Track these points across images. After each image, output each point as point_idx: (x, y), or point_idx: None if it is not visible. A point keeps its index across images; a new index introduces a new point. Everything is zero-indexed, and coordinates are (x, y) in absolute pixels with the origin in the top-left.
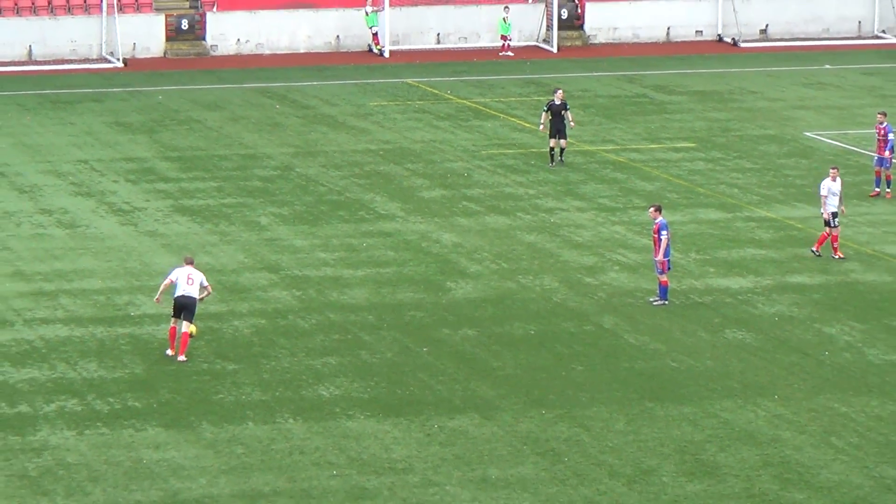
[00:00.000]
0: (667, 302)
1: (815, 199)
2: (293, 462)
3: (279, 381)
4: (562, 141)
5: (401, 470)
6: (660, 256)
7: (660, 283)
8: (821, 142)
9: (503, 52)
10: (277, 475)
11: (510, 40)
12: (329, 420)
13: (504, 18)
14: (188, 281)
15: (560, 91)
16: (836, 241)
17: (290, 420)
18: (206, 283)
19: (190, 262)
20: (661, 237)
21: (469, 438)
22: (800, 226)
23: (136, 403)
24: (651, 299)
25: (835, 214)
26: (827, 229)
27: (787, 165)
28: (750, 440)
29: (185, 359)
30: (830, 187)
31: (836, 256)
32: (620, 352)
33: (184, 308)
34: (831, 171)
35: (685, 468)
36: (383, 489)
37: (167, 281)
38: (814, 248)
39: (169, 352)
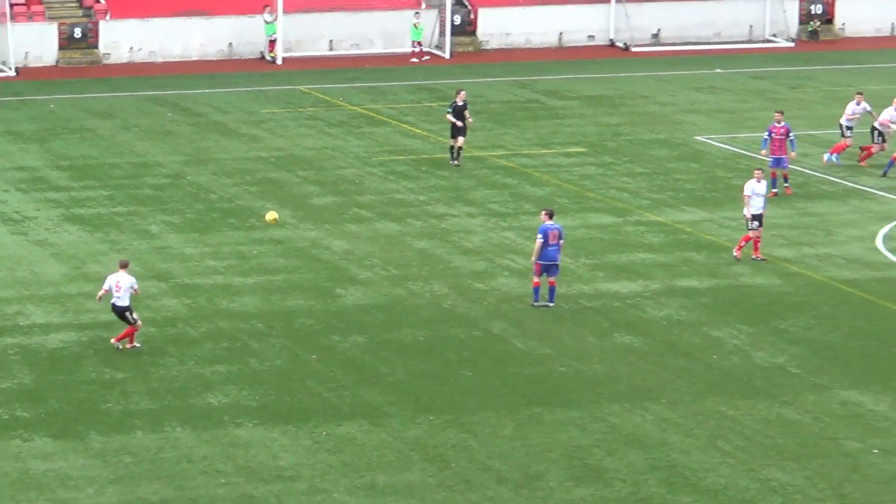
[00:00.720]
0: (537, 303)
1: (705, 202)
2: (181, 471)
3: (168, 389)
4: (460, 139)
5: (288, 477)
6: (532, 258)
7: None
8: (711, 145)
9: (421, 58)
10: (165, 484)
11: (422, 45)
12: (217, 428)
13: (415, 24)
14: (117, 288)
15: (463, 92)
16: (747, 240)
17: (179, 429)
18: (135, 287)
19: (124, 266)
20: (537, 240)
21: (357, 445)
22: (689, 230)
23: (24, 413)
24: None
25: (757, 216)
26: (751, 232)
27: (678, 169)
28: (637, 444)
29: (137, 345)
30: (755, 188)
31: (735, 257)
32: (509, 357)
33: (118, 314)
34: (756, 172)
35: (572, 473)
36: (271, 497)
37: (102, 291)
38: (753, 256)
39: (112, 340)
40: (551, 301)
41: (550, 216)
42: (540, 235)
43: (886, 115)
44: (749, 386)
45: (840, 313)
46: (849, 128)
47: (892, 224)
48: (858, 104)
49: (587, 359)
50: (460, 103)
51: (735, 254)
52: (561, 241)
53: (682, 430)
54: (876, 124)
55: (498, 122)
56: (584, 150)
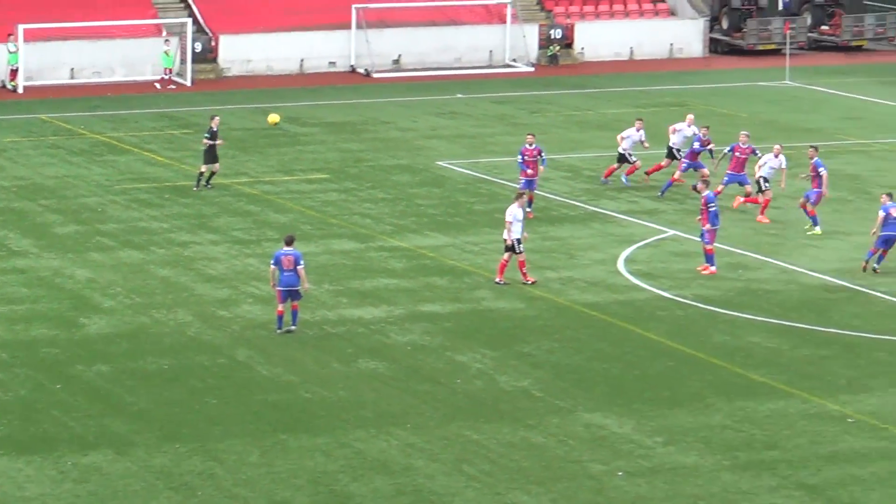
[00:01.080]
0: (280, 330)
1: (448, 227)
2: None
3: None
4: (215, 165)
5: None
6: (271, 284)
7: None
8: (453, 170)
9: (166, 86)
10: None
11: (171, 73)
12: None
13: (166, 51)
14: None
15: (217, 118)
16: (524, 266)
17: None
18: None
19: None
20: (271, 266)
21: (103, 475)
22: (432, 255)
23: None
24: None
25: (519, 241)
26: (507, 255)
27: (420, 195)
28: (383, 469)
29: None
30: (516, 214)
31: (527, 281)
32: (254, 384)
33: None
34: (519, 198)
35: (318, 499)
36: None
37: None
38: (497, 280)
39: None
40: (294, 324)
41: (288, 243)
42: (272, 262)
43: (679, 126)
44: (493, 410)
45: (583, 336)
46: (630, 154)
47: (633, 247)
48: (639, 130)
49: (332, 385)
50: (215, 129)
51: (526, 280)
52: (299, 267)
53: (427, 454)
54: (671, 143)
55: (240, 149)
56: (326, 176)
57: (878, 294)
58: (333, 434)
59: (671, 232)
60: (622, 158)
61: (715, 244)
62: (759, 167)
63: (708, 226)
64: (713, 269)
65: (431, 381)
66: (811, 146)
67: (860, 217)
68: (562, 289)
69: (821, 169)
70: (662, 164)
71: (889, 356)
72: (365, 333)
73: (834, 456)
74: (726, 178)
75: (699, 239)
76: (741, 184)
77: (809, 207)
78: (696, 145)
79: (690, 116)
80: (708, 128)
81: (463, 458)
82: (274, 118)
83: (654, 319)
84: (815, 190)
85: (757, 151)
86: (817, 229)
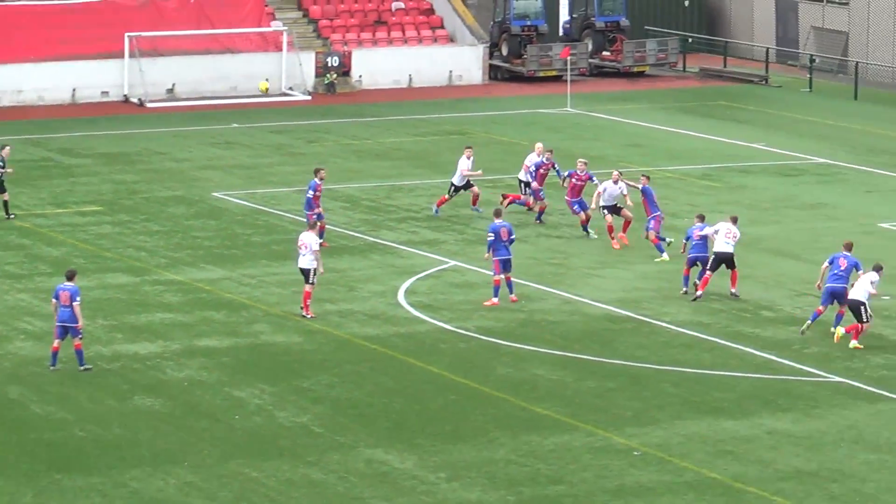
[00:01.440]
0: (54, 367)
1: (224, 260)
2: None
3: None
4: (4, 194)
5: None
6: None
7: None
8: (229, 202)
9: None
10: None
11: None
12: None
13: None
14: None
15: (8, 147)
16: (309, 298)
17: None
18: None
19: None
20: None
21: None
22: (209, 288)
23: None
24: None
25: (315, 271)
26: (308, 287)
27: (195, 227)
28: None
29: None
30: (316, 241)
31: (307, 315)
32: (27, 423)
33: None
34: (313, 227)
35: None
36: None
37: None
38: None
39: None
40: (81, 363)
41: (69, 278)
42: (53, 296)
43: (530, 161)
44: (273, 446)
45: (363, 370)
46: (462, 186)
47: (413, 278)
48: (469, 158)
49: (107, 423)
50: (6, 156)
51: (306, 314)
52: (74, 304)
53: (205, 493)
54: (521, 175)
55: (12, 181)
56: (100, 208)
57: (663, 324)
58: (109, 474)
59: (452, 263)
60: (467, 186)
61: (502, 275)
62: (599, 195)
63: (487, 255)
64: (495, 300)
65: (209, 417)
66: (643, 175)
67: (643, 246)
68: (341, 322)
69: (627, 193)
70: (529, 200)
71: (674, 387)
72: (140, 369)
73: (620, 490)
74: (576, 206)
75: (490, 271)
76: (583, 208)
77: (652, 236)
78: (538, 170)
79: (539, 146)
80: (551, 151)
81: (242, 496)
82: (264, 85)
83: (436, 352)
84: (651, 217)
85: (594, 178)
86: (664, 256)
